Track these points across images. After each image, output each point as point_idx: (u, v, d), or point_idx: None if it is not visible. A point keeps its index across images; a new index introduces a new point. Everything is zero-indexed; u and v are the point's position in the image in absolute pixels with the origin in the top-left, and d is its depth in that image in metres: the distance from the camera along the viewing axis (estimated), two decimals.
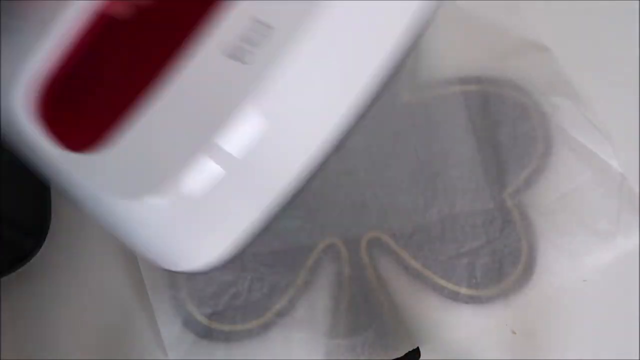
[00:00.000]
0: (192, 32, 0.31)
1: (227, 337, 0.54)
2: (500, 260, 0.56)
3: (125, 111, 0.32)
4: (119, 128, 0.32)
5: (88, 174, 0.32)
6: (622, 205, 0.58)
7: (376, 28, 0.34)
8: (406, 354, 0.53)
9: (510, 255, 0.56)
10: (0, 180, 0.54)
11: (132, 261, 0.56)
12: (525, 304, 0.54)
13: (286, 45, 0.31)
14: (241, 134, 0.31)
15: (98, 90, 0.33)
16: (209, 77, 0.31)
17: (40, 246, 0.55)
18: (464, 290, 0.55)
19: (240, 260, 0.55)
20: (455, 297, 0.55)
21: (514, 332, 0.54)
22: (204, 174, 0.31)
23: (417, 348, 0.53)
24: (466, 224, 0.56)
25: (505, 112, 0.61)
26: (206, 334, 0.54)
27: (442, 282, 0.55)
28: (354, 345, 0.53)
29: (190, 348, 0.53)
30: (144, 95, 0.32)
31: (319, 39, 0.31)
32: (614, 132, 0.61)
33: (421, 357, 0.53)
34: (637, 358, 0.53)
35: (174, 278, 0.55)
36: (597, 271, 0.56)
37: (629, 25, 0.66)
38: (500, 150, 0.59)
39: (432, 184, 0.58)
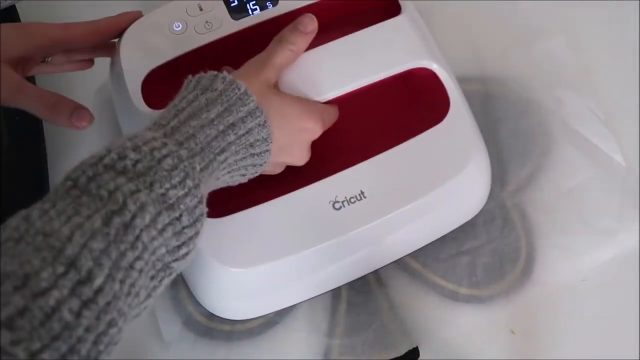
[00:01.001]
0: (317, 178, 0.50)
1: (228, 337, 0.54)
2: (500, 259, 0.56)
3: (248, 204, 0.49)
4: (237, 212, 0.49)
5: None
6: (624, 201, 0.58)
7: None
8: (405, 353, 0.53)
9: (511, 254, 0.56)
10: (0, 181, 0.54)
11: None
12: (524, 303, 0.54)
13: (369, 212, 0.49)
14: (319, 255, 0.49)
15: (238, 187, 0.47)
16: (311, 209, 0.49)
17: None
18: (464, 290, 0.55)
19: None
20: (455, 296, 0.55)
21: (513, 332, 0.54)
22: (275, 272, 0.49)
23: (416, 347, 0.53)
24: (466, 222, 0.56)
25: (507, 109, 0.61)
26: (206, 333, 0.54)
27: (442, 282, 0.55)
28: (354, 344, 0.53)
29: (191, 347, 0.54)
30: (267, 201, 0.49)
31: (387, 217, 0.49)
32: (617, 126, 0.61)
33: (420, 356, 0.53)
34: (637, 358, 0.53)
35: (174, 279, 0.55)
36: (597, 270, 0.55)
37: (632, 19, 0.65)
38: (502, 148, 0.59)
39: None
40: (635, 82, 0.63)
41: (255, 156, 0.43)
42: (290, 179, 0.50)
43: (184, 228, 0.36)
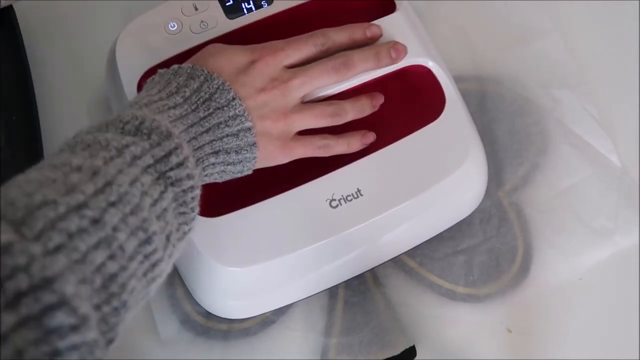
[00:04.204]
0: (314, 176, 0.50)
1: (225, 336, 0.54)
2: (497, 258, 0.56)
3: (244, 203, 0.49)
4: (233, 211, 0.49)
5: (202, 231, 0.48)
6: (621, 200, 0.58)
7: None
8: (402, 352, 0.53)
9: (507, 253, 0.56)
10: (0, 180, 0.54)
11: None
12: (521, 302, 0.54)
13: (365, 209, 0.49)
14: (311, 256, 0.49)
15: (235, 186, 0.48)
16: (307, 207, 0.49)
17: None
18: (460, 289, 0.55)
19: None
20: (452, 295, 0.55)
21: (509, 331, 0.54)
22: (272, 271, 0.49)
23: (413, 346, 0.53)
24: (463, 222, 0.56)
25: (503, 109, 0.61)
26: (203, 333, 0.54)
27: (439, 281, 0.55)
28: (351, 343, 0.53)
29: (188, 346, 0.54)
30: (263, 200, 0.49)
31: (384, 215, 0.49)
32: (613, 126, 0.61)
33: (417, 355, 0.53)
34: (637, 358, 0.53)
35: (171, 277, 0.55)
36: (594, 269, 0.55)
37: (629, 18, 0.65)
38: (498, 147, 0.59)
39: None
40: (631, 82, 0.63)
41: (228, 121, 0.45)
42: (287, 178, 0.50)
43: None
